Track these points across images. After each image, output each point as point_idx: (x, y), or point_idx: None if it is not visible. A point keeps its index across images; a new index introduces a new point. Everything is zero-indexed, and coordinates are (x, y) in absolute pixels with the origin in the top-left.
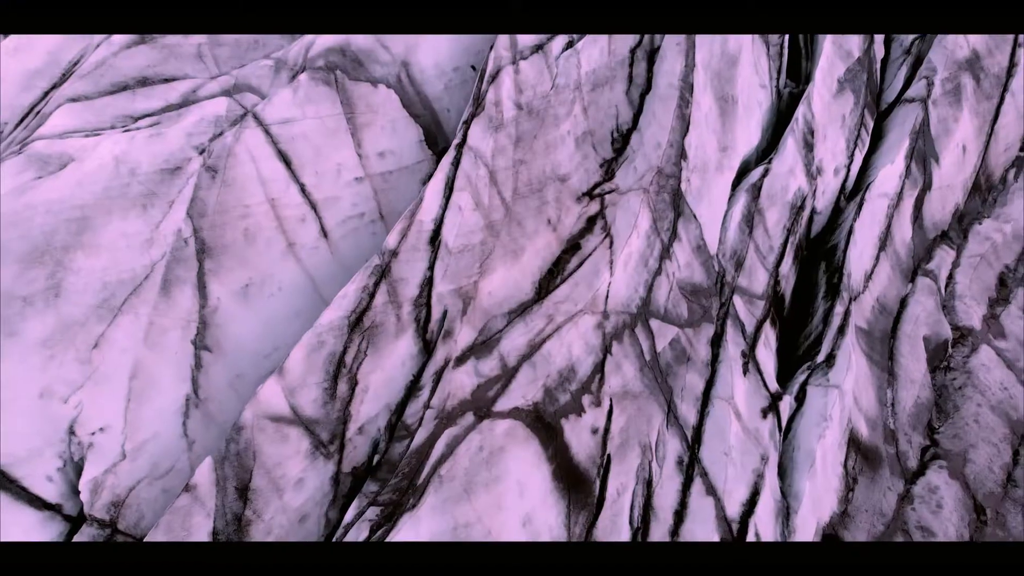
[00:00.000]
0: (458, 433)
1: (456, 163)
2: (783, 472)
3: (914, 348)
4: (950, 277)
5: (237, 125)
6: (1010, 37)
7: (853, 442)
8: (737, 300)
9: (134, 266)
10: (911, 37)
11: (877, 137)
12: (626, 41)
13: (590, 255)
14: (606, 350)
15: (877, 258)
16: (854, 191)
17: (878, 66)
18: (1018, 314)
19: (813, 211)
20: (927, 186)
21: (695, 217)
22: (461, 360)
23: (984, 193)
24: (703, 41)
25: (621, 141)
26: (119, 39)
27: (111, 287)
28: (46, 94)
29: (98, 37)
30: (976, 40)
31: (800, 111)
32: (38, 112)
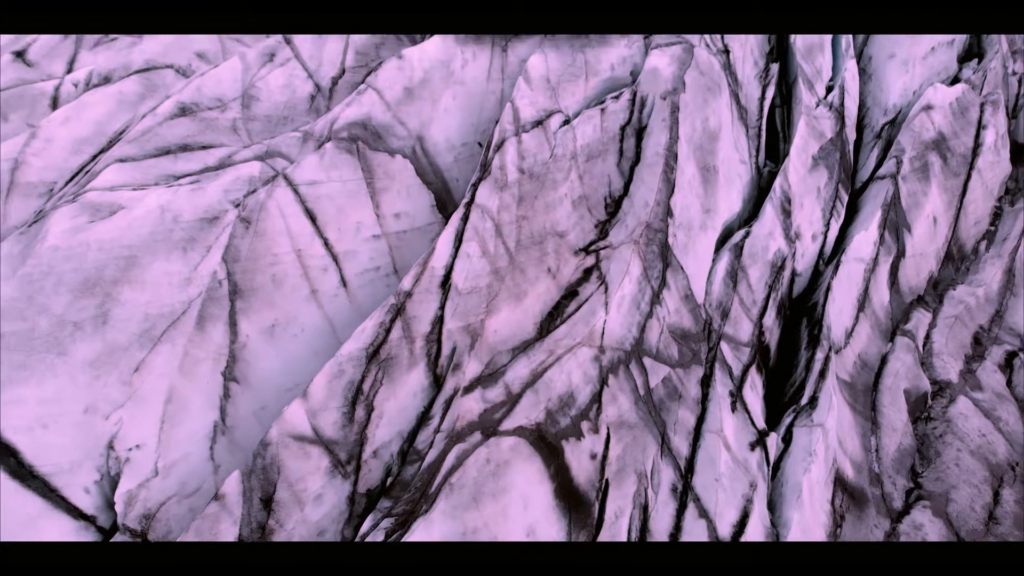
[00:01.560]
0: (467, 448)
1: (465, 218)
2: (772, 507)
3: (895, 399)
4: (927, 337)
5: (269, 184)
6: (974, 120)
7: (839, 482)
8: (724, 346)
9: (174, 302)
10: (882, 122)
11: (852, 211)
12: (617, 119)
13: (587, 300)
14: (603, 382)
15: (857, 318)
16: (832, 256)
17: (851, 148)
18: (993, 369)
19: (794, 273)
20: (901, 253)
21: (682, 268)
22: (469, 389)
23: (957, 262)
24: (685, 117)
25: (614, 206)
26: (163, 110)
27: (152, 319)
28: (93, 158)
29: (143, 108)
30: (942, 122)
31: (778, 182)
32: (87, 172)
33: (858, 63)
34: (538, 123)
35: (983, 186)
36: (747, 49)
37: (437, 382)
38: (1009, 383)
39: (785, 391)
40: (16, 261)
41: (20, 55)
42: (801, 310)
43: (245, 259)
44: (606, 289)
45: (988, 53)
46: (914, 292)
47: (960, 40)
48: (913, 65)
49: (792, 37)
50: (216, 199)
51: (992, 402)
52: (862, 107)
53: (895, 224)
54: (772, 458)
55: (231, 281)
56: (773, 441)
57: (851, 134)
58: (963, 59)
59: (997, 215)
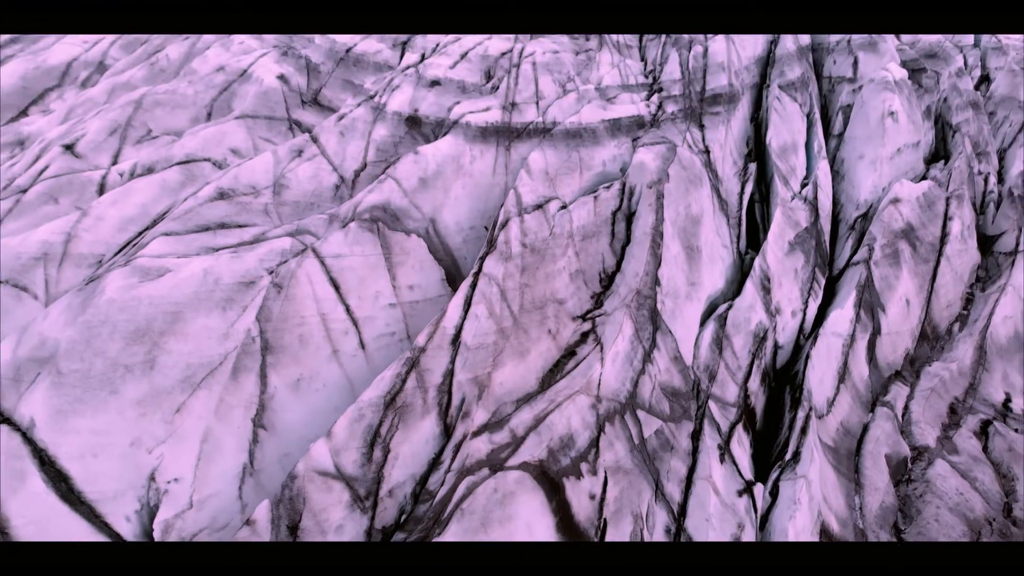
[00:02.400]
0: (476, 480)
1: (474, 285)
2: None
3: (877, 462)
4: (906, 407)
5: (299, 255)
6: (941, 212)
7: (825, 534)
8: (712, 405)
9: (212, 353)
10: (855, 216)
11: (830, 295)
12: (608, 205)
13: (585, 358)
14: (600, 428)
15: (838, 388)
16: (811, 332)
17: (827, 239)
18: (969, 435)
19: (776, 345)
20: (877, 331)
21: (671, 332)
22: (477, 434)
23: (932, 341)
24: (670, 203)
25: (607, 280)
26: (204, 194)
27: (193, 367)
28: (139, 234)
29: (185, 193)
30: (909, 214)
31: (757, 262)
32: (134, 244)
33: (831, 165)
34: (538, 207)
35: (952, 271)
36: (726, 150)
37: (447, 432)
38: (985, 449)
39: (772, 452)
40: (76, 311)
41: (69, 148)
42: (784, 379)
43: (276, 319)
44: (601, 348)
45: (953, 154)
46: (892, 367)
47: (926, 142)
48: (881, 164)
49: (767, 139)
50: (253, 266)
51: (968, 464)
52: (836, 204)
53: (870, 304)
54: (760, 509)
55: (263, 338)
56: (760, 492)
57: (826, 225)
58: (930, 160)
59: (970, 300)
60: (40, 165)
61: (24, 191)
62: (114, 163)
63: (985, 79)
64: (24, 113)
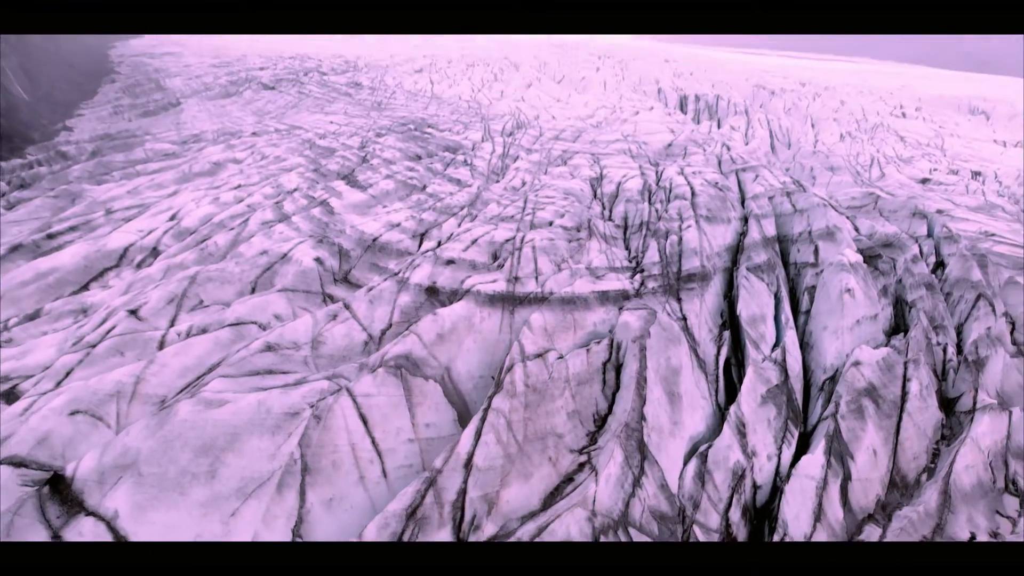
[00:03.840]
0: None
1: (483, 419)
2: None
3: None
4: None
5: (336, 394)
6: (900, 374)
7: None
8: (697, 529)
9: (262, 470)
10: (823, 379)
11: (804, 447)
12: (599, 357)
13: (581, 483)
14: (596, 540)
15: (814, 526)
16: (787, 475)
17: (799, 398)
18: None
19: (755, 485)
20: (847, 477)
21: (657, 462)
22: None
23: (901, 489)
24: (651, 355)
25: (601, 421)
26: (254, 347)
27: (246, 480)
28: (197, 378)
29: (236, 347)
30: (871, 375)
31: (732, 409)
32: (194, 385)
33: (801, 338)
34: (539, 355)
35: (915, 426)
36: (701, 318)
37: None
38: None
39: None
40: (154, 428)
41: (133, 312)
42: (763, 517)
43: (315, 445)
44: (596, 474)
45: (911, 327)
46: (864, 511)
47: (884, 316)
48: (843, 334)
49: (739, 311)
50: (297, 401)
51: None
52: (807, 371)
53: (839, 453)
54: None
55: (303, 461)
56: None
57: (796, 385)
58: (890, 333)
59: (936, 454)
60: (107, 326)
61: (93, 346)
62: (172, 325)
63: (940, 265)
64: (85, 287)
